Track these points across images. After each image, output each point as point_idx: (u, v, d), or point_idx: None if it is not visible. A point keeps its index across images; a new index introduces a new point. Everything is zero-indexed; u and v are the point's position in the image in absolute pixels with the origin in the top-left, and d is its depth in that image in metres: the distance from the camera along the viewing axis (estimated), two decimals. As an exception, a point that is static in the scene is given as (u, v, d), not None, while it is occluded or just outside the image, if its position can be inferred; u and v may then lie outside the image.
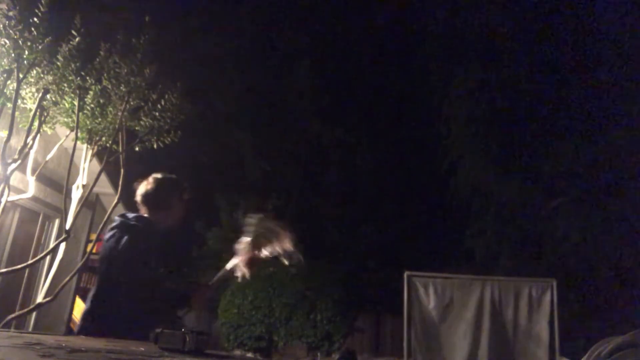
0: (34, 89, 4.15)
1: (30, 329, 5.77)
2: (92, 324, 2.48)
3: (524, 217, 10.47)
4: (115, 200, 4.74)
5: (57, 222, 6.15)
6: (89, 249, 6.43)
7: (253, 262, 2.65)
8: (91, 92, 4.39)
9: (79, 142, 4.51)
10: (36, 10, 3.85)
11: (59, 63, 4.09)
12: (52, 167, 5.51)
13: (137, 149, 4.77)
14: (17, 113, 4.05)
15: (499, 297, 6.74)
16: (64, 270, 4.77)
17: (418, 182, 13.80)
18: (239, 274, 2.66)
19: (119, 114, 4.46)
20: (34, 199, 5.27)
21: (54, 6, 3.87)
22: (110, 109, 4.51)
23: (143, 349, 1.73)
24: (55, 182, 5.76)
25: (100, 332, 2.06)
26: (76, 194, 4.68)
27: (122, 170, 4.65)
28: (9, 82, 3.93)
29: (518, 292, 6.73)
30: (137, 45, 4.46)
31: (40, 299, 4.46)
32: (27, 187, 4.70)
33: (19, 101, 4.08)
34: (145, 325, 1.83)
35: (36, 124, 4.24)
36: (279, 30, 16.00)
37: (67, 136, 4.88)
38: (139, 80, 4.45)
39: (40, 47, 3.86)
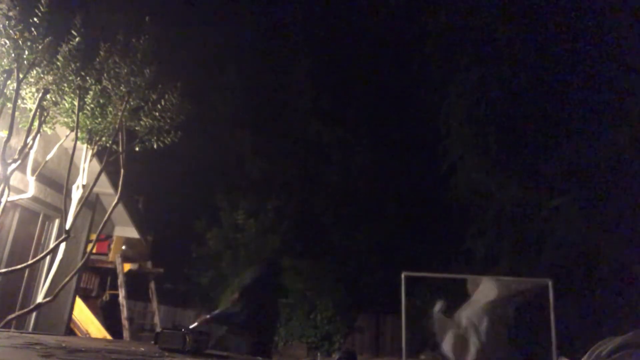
0: (34, 89, 4.15)
1: (30, 329, 5.77)
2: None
3: (524, 217, 10.46)
4: (115, 200, 4.74)
5: (57, 222, 6.14)
6: (89, 249, 6.43)
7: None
8: (91, 92, 4.39)
9: (79, 142, 4.51)
10: (36, 10, 3.85)
11: (59, 63, 4.09)
12: (52, 167, 5.51)
13: (137, 149, 4.77)
14: (17, 113, 4.05)
15: (495, 296, 6.74)
16: (64, 270, 4.77)
17: (418, 182, 13.80)
18: None
19: (119, 114, 4.46)
20: (34, 199, 5.27)
21: (54, 6, 3.87)
22: (110, 109, 4.51)
23: (143, 349, 1.73)
24: (55, 182, 5.75)
25: None
26: (76, 194, 4.68)
27: (122, 170, 4.65)
28: (9, 82, 3.93)
29: (513, 291, 6.74)
30: (137, 45, 4.46)
31: (40, 299, 4.46)
32: (27, 187, 4.69)
33: (19, 101, 4.08)
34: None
35: (36, 124, 4.24)
36: (279, 30, 16.01)
37: (67, 136, 4.88)
38: (139, 80, 4.45)
39: (40, 47, 3.86)
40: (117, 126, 4.50)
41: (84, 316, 10.39)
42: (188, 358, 1.57)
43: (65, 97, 4.31)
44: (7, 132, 3.86)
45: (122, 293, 10.96)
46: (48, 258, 5.21)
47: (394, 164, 14.42)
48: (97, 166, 4.94)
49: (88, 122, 4.52)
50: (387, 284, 11.14)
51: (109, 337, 9.89)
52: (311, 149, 15.01)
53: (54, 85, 4.13)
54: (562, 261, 9.38)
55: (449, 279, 9.21)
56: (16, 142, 4.30)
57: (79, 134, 4.43)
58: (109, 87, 4.40)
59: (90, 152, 4.79)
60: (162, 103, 4.59)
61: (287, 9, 16.12)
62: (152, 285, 12.20)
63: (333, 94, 15.06)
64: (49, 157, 4.85)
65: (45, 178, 5.55)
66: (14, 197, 4.31)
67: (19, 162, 4.07)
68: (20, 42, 3.73)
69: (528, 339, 7.85)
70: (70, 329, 8.02)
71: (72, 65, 4.17)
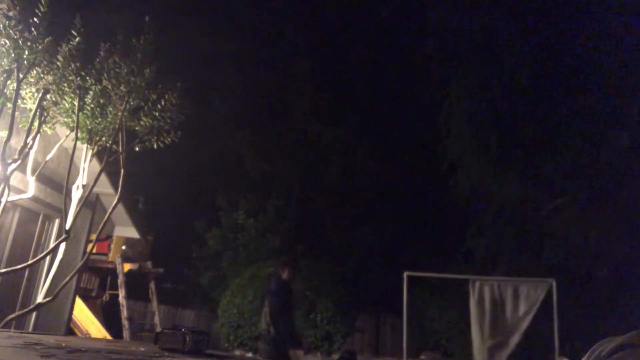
0: (34, 89, 4.15)
1: (30, 329, 5.77)
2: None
3: (524, 217, 10.45)
4: (115, 200, 4.75)
5: (57, 222, 6.14)
6: (89, 249, 6.43)
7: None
8: (91, 92, 4.39)
9: (79, 142, 4.51)
10: (36, 10, 3.85)
11: (59, 63, 4.09)
12: (52, 167, 5.51)
13: (137, 149, 4.77)
14: (17, 113, 4.05)
15: (499, 297, 6.74)
16: (64, 270, 4.77)
17: (418, 182, 13.78)
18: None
19: (119, 114, 4.46)
20: (34, 199, 5.27)
21: (54, 6, 3.88)
22: (110, 109, 4.51)
23: (143, 349, 1.72)
24: (55, 182, 5.75)
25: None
26: (76, 194, 4.68)
27: (122, 170, 4.65)
28: (9, 82, 3.93)
29: (517, 292, 6.73)
30: (137, 45, 4.46)
31: (40, 299, 4.47)
32: (27, 187, 4.69)
33: (19, 101, 4.09)
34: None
35: (36, 124, 4.25)
36: (278, 31, 16.00)
37: (67, 136, 4.88)
38: (139, 80, 4.46)
39: (40, 47, 3.86)
40: (117, 126, 4.50)
41: (84, 316, 10.39)
42: (188, 358, 1.57)
43: (65, 97, 4.32)
44: (7, 132, 3.86)
45: (122, 293, 10.97)
46: (48, 258, 5.22)
47: (394, 164, 14.39)
48: (97, 166, 4.94)
49: (88, 122, 4.52)
50: (387, 284, 11.11)
51: (109, 337, 9.89)
52: (311, 149, 14.99)
53: (54, 85, 4.14)
54: (562, 261, 9.38)
55: (449, 279, 9.21)
56: (16, 142, 4.30)
57: (79, 134, 4.44)
58: (109, 87, 4.41)
59: (90, 152, 4.79)
60: (162, 103, 4.60)
61: (287, 8, 16.11)
62: (152, 285, 12.20)
63: (333, 94, 15.05)
64: (49, 157, 4.85)
65: (45, 178, 5.55)
66: (14, 197, 4.31)
67: (19, 162, 4.07)
68: (20, 42, 3.73)
69: (528, 338, 7.84)
70: (70, 329, 8.02)
71: (72, 65, 4.18)
